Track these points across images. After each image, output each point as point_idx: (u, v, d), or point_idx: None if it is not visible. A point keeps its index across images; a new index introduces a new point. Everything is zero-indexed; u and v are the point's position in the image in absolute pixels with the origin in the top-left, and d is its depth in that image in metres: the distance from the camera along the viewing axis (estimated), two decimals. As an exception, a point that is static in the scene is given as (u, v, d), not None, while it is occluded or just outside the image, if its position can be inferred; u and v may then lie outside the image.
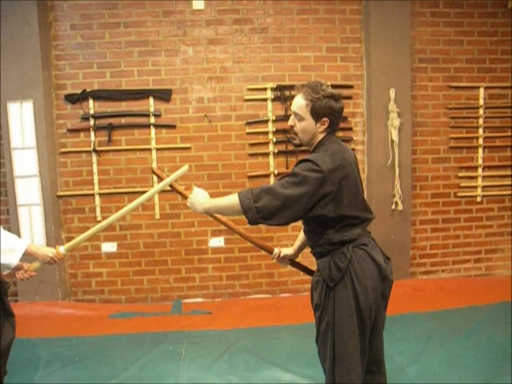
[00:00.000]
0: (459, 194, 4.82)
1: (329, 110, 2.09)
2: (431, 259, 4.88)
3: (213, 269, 4.65)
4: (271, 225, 2.09)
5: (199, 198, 2.22)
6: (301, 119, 2.13)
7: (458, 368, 3.08)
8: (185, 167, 2.60)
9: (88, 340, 3.69)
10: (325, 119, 2.10)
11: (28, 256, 2.41)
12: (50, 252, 2.43)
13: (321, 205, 2.04)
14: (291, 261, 2.57)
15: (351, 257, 2.10)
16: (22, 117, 4.18)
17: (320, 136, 2.16)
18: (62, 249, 2.45)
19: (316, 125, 2.12)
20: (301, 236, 2.55)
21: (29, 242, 2.42)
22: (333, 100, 2.09)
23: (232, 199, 2.09)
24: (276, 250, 2.53)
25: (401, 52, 4.49)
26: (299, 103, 2.12)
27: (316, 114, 2.09)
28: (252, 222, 2.05)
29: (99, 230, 2.55)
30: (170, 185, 2.51)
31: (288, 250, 2.55)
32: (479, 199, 4.84)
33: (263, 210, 2.01)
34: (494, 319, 3.82)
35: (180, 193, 2.44)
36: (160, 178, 2.63)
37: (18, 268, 2.42)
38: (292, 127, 2.19)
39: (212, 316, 4.17)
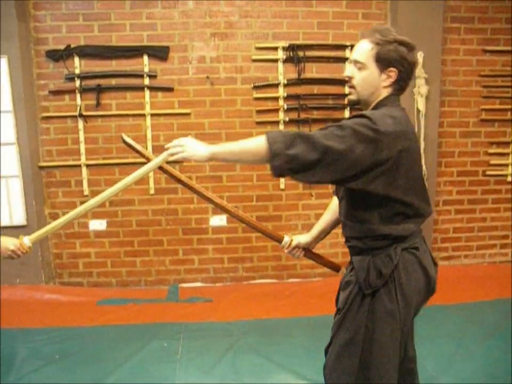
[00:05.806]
0: (488, 172, 4.45)
1: (398, 58, 1.65)
2: (453, 243, 4.54)
3: (214, 250, 4.31)
4: (297, 181, 1.67)
5: (195, 142, 1.72)
6: (362, 67, 1.69)
7: (498, 376, 2.68)
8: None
9: (72, 333, 3.30)
10: (392, 69, 1.67)
11: None
12: (11, 244, 1.96)
13: (369, 176, 1.57)
14: (306, 251, 2.11)
15: (398, 263, 1.68)
16: (-4, 75, 3.73)
17: (383, 94, 1.71)
18: (26, 240, 1.95)
19: (379, 75, 1.68)
20: (324, 219, 2.08)
21: None
22: (405, 48, 1.66)
23: (256, 140, 1.62)
24: (287, 238, 2.06)
25: (432, 9, 3.96)
26: (362, 47, 1.69)
27: (382, 61, 1.66)
28: (277, 172, 1.58)
29: (78, 216, 2.03)
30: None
31: (302, 238, 2.08)
32: (509, 178, 4.48)
33: (295, 161, 1.54)
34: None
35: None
36: (138, 153, 2.04)
37: None
38: (349, 78, 1.74)
39: (212, 304, 3.80)
